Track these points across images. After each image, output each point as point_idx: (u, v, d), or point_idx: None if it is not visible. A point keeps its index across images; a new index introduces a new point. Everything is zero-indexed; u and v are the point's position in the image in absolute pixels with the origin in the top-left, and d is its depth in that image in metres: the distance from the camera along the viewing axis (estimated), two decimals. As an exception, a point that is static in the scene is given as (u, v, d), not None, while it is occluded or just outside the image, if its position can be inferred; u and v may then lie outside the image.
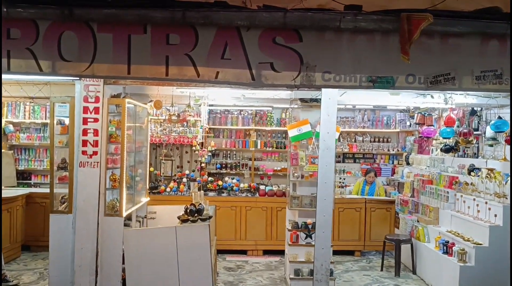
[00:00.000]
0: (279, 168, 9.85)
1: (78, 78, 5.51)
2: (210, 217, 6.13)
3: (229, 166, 9.83)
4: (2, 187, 8.25)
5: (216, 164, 9.63)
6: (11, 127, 9.11)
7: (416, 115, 7.47)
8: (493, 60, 4.56)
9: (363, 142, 10.26)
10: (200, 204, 6.12)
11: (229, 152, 9.95)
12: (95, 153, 5.66)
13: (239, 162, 9.90)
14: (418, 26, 4.12)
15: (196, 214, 6.01)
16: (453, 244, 6.38)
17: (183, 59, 4.61)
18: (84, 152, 5.64)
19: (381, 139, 10.32)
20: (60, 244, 5.78)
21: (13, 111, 9.17)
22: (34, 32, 4.59)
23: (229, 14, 4.43)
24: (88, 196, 5.66)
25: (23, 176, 9.46)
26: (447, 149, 7.20)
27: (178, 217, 6.05)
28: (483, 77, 4.56)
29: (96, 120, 5.65)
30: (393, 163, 10.27)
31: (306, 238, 6.71)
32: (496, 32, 4.47)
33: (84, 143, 5.64)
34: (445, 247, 6.52)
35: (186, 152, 9.76)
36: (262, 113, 9.87)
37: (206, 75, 4.63)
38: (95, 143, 5.65)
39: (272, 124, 9.89)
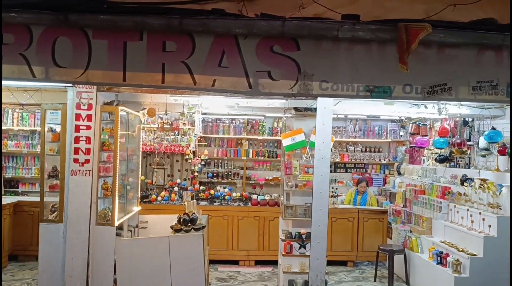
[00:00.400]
0: (270, 177, 9.78)
1: (71, 85, 5.45)
2: (203, 227, 6.04)
3: (220, 175, 9.75)
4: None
5: (208, 173, 9.53)
6: (-2, 134, 8.94)
7: (410, 125, 7.49)
8: (489, 70, 4.57)
9: (354, 151, 10.26)
10: (194, 213, 6.03)
11: (220, 161, 9.87)
12: (87, 161, 5.57)
13: (230, 171, 9.81)
14: (416, 36, 4.11)
15: (189, 224, 5.92)
16: (447, 254, 6.38)
17: (180, 66, 4.54)
18: (75, 160, 5.55)
19: (372, 149, 10.33)
20: (50, 254, 5.66)
21: (1, 118, 9.00)
22: (28, 37, 4.49)
23: (227, 22, 4.39)
24: (79, 205, 5.57)
25: (10, 184, 9.27)
26: (441, 159, 7.22)
27: (171, 227, 5.95)
28: (479, 88, 4.58)
29: (88, 127, 5.57)
30: (384, 173, 10.27)
31: (300, 248, 6.65)
32: (492, 43, 4.49)
33: (76, 151, 5.55)
34: (439, 258, 6.51)
35: (177, 161, 9.66)
36: (254, 122, 9.81)
37: (203, 83, 4.57)
38: (87, 151, 5.57)
39: (264, 133, 9.83)
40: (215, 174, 9.65)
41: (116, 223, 5.78)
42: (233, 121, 9.84)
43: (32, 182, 9.33)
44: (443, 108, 6.28)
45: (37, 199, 8.38)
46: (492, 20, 4.51)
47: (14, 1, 4.37)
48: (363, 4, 4.87)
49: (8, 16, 4.30)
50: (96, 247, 5.69)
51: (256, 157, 9.83)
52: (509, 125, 6.45)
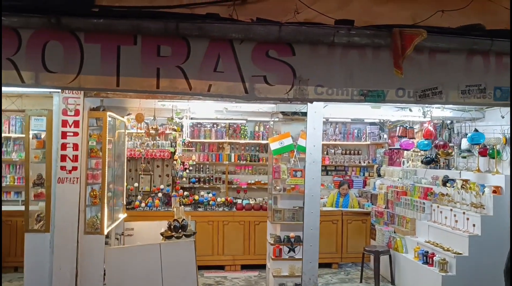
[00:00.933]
0: (253, 181, 9.78)
1: (58, 90, 5.31)
2: (194, 233, 5.99)
3: (202, 180, 9.67)
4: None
5: (191, 178, 9.42)
6: (-29, 141, 8.59)
7: (398, 128, 7.65)
8: (477, 75, 4.71)
9: (334, 154, 10.38)
10: (184, 219, 5.96)
11: (202, 165, 9.80)
12: (74, 168, 5.44)
13: (212, 176, 9.76)
14: (411, 41, 4.20)
15: (180, 230, 5.86)
16: (433, 254, 6.51)
17: (175, 71, 4.47)
18: (62, 168, 5.41)
19: (352, 152, 10.48)
20: (36, 265, 5.49)
21: (-27, 125, 8.64)
22: (16, 41, 4.33)
23: (224, 26, 4.36)
24: (67, 213, 5.42)
25: (-17, 193, 8.90)
26: (428, 161, 7.39)
27: (162, 234, 5.86)
28: (468, 91, 4.71)
29: (76, 134, 5.44)
30: (364, 175, 10.44)
31: (289, 252, 6.67)
32: (481, 48, 4.62)
33: (63, 158, 5.41)
34: (425, 257, 6.64)
35: (157, 166, 9.53)
36: (235, 126, 9.81)
37: (199, 88, 4.52)
38: (75, 158, 5.43)
39: (246, 137, 9.83)
40: (197, 179, 9.56)
41: (106, 231, 5.65)
42: (215, 126, 9.80)
43: (7, 191, 9.01)
44: (428, 111, 6.45)
45: (14, 208, 8.20)
46: (479, 26, 4.65)
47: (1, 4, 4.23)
48: (351, 10, 4.93)
49: (-4, 19, 4.15)
50: (85, 256, 5.54)
51: (238, 161, 9.81)
52: (488, 127, 6.67)
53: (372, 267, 7.72)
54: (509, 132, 6.17)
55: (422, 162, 7.47)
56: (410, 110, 6.59)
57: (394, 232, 7.82)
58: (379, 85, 4.68)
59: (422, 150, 7.44)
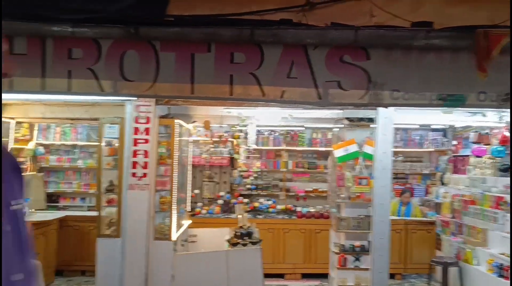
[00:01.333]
0: (310, 189, 9.64)
1: (132, 98, 5.43)
2: (260, 241, 5.95)
3: (259, 187, 9.63)
4: (33, 210, 8.11)
5: (251, 185, 9.37)
6: (41, 149, 8.98)
7: (473, 133, 7.35)
8: None
9: (395, 162, 10.07)
10: (249, 226, 5.94)
11: (259, 173, 9.76)
12: (144, 175, 5.52)
13: (269, 183, 9.70)
14: (497, 42, 4.01)
15: (246, 237, 5.84)
16: (509, 267, 6.16)
17: (248, 78, 4.50)
18: (133, 174, 5.50)
19: (413, 159, 10.14)
20: (108, 269, 5.59)
21: (43, 133, 9.05)
22: (96, 51, 4.50)
23: (298, 32, 4.34)
24: (137, 219, 5.51)
25: (51, 199, 9.25)
26: (505, 168, 7.03)
27: (228, 241, 5.87)
28: (555, 94, 4.45)
29: (146, 141, 5.52)
30: (425, 183, 10.07)
31: (354, 261, 6.51)
32: None
33: (134, 164, 5.50)
34: (500, 270, 6.30)
35: (216, 173, 9.58)
36: (293, 133, 9.73)
37: (272, 95, 4.52)
38: (145, 165, 5.52)
39: (304, 144, 9.73)
40: (255, 186, 9.53)
41: (174, 238, 5.71)
42: (272, 133, 9.76)
43: (73, 197, 9.31)
44: (505, 115, 6.12)
45: (81, 213, 8.48)
46: None
47: (81, 16, 4.38)
48: (425, 12, 4.78)
49: (80, 31, 4.31)
50: (154, 262, 5.61)
51: (296, 168, 9.71)
52: None
53: (438, 279, 7.41)
54: None
55: (500, 169, 7.10)
56: (484, 115, 6.29)
57: (464, 243, 7.47)
58: (458, 89, 4.51)
59: (495, 157, 7.08)
